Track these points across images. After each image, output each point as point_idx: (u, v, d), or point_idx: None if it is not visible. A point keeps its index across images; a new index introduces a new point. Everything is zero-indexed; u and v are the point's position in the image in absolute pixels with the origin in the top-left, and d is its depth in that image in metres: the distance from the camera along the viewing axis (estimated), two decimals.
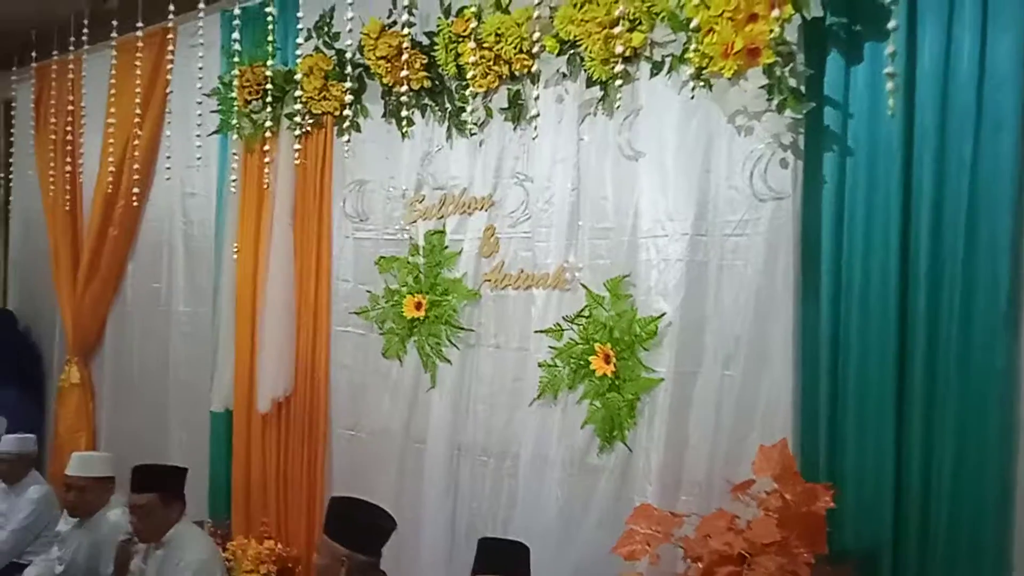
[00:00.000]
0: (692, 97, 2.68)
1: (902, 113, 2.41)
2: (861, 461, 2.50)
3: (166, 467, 3.59)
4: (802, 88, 2.52)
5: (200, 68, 3.74)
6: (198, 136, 3.62)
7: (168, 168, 4.19)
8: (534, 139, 3.06)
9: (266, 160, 3.76)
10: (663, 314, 2.79)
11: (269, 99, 3.66)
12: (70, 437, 5.13)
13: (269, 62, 3.64)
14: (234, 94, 4.02)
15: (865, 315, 2.50)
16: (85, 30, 4.46)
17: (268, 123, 3.67)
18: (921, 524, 2.41)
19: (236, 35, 3.39)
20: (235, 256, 4.12)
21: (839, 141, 2.54)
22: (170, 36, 3.88)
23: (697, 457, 2.73)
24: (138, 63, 4.02)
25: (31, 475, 4.35)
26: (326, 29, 3.74)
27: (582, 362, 2.99)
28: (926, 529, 2.41)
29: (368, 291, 3.70)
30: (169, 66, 4.06)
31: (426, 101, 3.48)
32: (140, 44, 3.94)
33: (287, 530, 3.93)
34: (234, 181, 3.72)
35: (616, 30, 2.59)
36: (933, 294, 2.40)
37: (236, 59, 3.61)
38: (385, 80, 3.54)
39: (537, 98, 2.99)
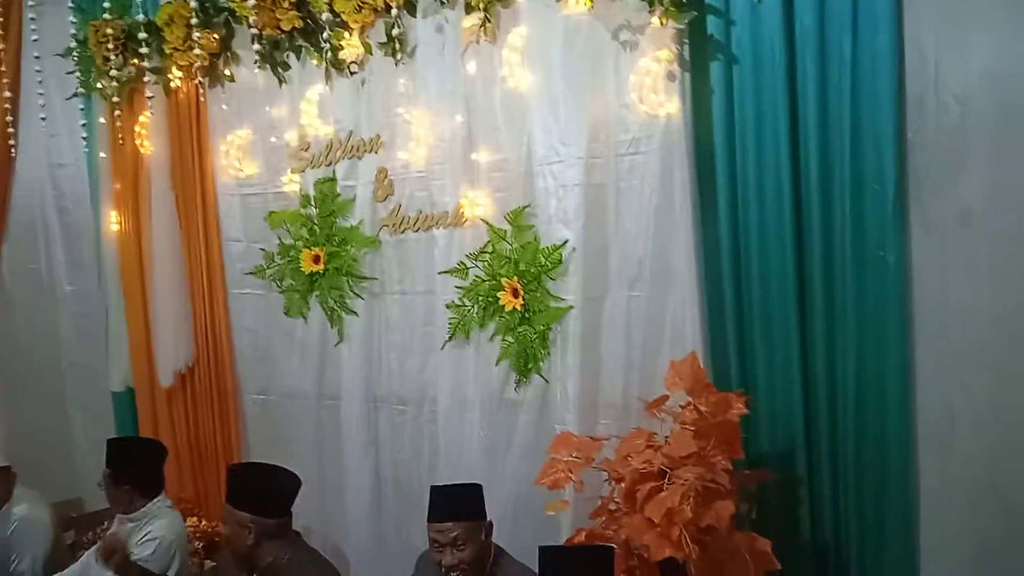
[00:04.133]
0: None
1: (781, 17, 2.41)
2: (770, 367, 2.56)
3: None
4: None
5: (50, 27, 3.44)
6: (41, 97, 3.33)
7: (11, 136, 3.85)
8: (403, 63, 2.91)
9: (135, 120, 3.50)
10: (566, 241, 2.75)
11: (129, 54, 3.40)
12: None
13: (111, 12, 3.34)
14: (91, 52, 3.72)
15: (762, 222, 2.52)
16: None
17: (130, 80, 3.41)
18: (830, 421, 2.50)
19: None
20: (115, 227, 3.88)
21: (723, 50, 2.52)
22: None
23: (612, 380, 2.74)
24: None
25: None
26: None
27: (491, 299, 2.94)
28: (835, 425, 2.50)
29: (262, 249, 3.54)
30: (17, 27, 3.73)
31: (300, 43, 3.29)
32: None
33: (208, 504, 3.80)
34: (85, 140, 3.44)
35: None
36: (825, 196, 2.44)
37: (85, 10, 3.31)
38: (254, 23, 3.31)
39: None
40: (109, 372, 4.01)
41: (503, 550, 2.48)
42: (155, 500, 3.11)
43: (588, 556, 2.02)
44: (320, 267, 3.35)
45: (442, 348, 3.08)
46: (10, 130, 3.93)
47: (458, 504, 2.41)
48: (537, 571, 2.10)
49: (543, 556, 1.98)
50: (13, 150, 4.18)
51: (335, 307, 3.35)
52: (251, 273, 3.58)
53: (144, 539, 2.99)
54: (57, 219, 4.36)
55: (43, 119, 3.44)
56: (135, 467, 3.15)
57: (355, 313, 3.31)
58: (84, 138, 3.54)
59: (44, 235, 4.43)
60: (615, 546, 2.19)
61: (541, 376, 2.87)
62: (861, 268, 2.40)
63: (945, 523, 2.39)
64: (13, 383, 4.75)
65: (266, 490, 2.65)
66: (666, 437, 2.33)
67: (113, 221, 3.88)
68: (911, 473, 2.41)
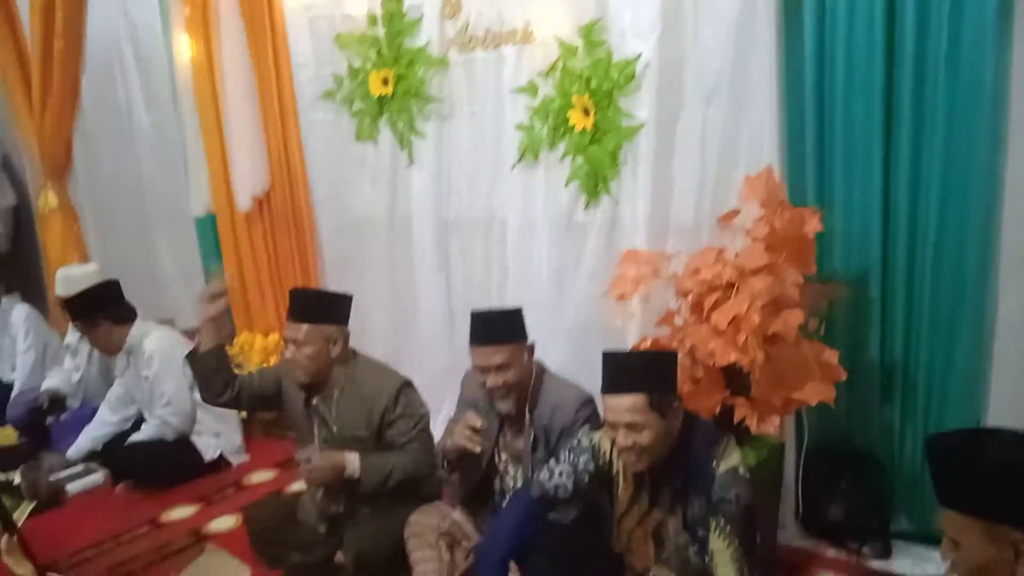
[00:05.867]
0: None
1: None
2: (849, 186, 2.47)
3: None
4: None
5: None
6: None
7: None
8: None
9: None
10: (639, 55, 2.64)
11: None
12: (61, 261, 5.09)
13: None
14: None
15: (850, 32, 2.36)
16: None
17: None
18: (909, 244, 2.43)
19: None
20: (188, 53, 3.89)
21: None
22: None
23: (684, 201, 2.70)
24: None
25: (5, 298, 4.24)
26: None
27: (560, 118, 2.88)
28: (913, 248, 2.42)
29: (331, 73, 3.51)
30: None
31: None
32: None
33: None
34: None
35: None
36: (921, 6, 2.26)
37: None
38: None
39: None
40: (191, 199, 4.14)
41: (546, 368, 2.45)
42: (135, 324, 3.33)
43: (651, 360, 1.99)
44: (388, 90, 3.32)
45: (511, 169, 3.06)
46: None
47: (500, 327, 2.36)
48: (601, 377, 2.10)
49: (606, 360, 1.95)
50: None
51: (404, 130, 3.34)
52: (321, 98, 3.57)
53: (145, 358, 3.24)
54: (131, 50, 4.40)
55: None
56: (98, 304, 3.30)
57: (423, 135, 3.30)
58: None
59: (120, 66, 4.49)
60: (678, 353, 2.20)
61: (611, 197, 2.85)
62: (954, 85, 2.25)
63: (1020, 352, 2.34)
64: (102, 210, 4.96)
65: (339, 301, 2.62)
66: (736, 253, 2.31)
67: (185, 48, 3.88)
68: (989, 301, 2.34)
